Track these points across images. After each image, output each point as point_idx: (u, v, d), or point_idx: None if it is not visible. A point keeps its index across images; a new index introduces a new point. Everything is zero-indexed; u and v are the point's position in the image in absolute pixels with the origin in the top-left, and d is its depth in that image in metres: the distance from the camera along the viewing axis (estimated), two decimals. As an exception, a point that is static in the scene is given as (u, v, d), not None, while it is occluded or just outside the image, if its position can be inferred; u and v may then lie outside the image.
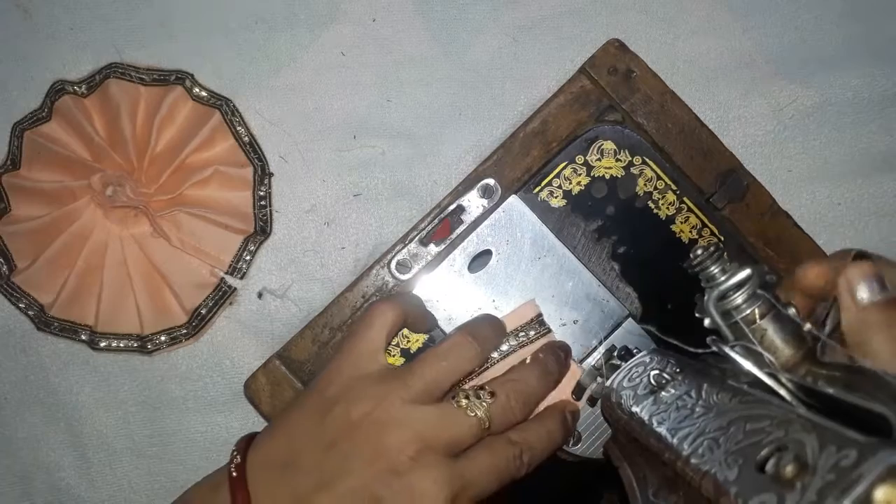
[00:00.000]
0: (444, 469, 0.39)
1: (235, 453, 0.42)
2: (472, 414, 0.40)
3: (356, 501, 0.38)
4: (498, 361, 0.49)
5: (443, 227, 0.52)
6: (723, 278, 0.38)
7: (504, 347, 0.49)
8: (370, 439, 0.39)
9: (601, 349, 0.51)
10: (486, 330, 0.45)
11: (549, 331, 0.50)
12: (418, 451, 0.39)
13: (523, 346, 0.49)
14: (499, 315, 0.50)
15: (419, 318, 0.48)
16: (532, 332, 0.49)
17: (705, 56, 0.58)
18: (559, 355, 0.47)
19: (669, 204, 0.52)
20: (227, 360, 0.56)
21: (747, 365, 0.33)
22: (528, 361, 0.46)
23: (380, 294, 0.51)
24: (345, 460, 0.39)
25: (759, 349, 0.34)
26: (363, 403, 0.40)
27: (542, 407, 0.47)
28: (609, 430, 0.48)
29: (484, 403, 0.41)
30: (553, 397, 0.49)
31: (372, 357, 0.42)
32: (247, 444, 0.42)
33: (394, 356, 0.51)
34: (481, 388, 0.42)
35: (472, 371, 0.43)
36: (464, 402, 0.41)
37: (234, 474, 0.41)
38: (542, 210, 0.52)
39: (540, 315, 0.50)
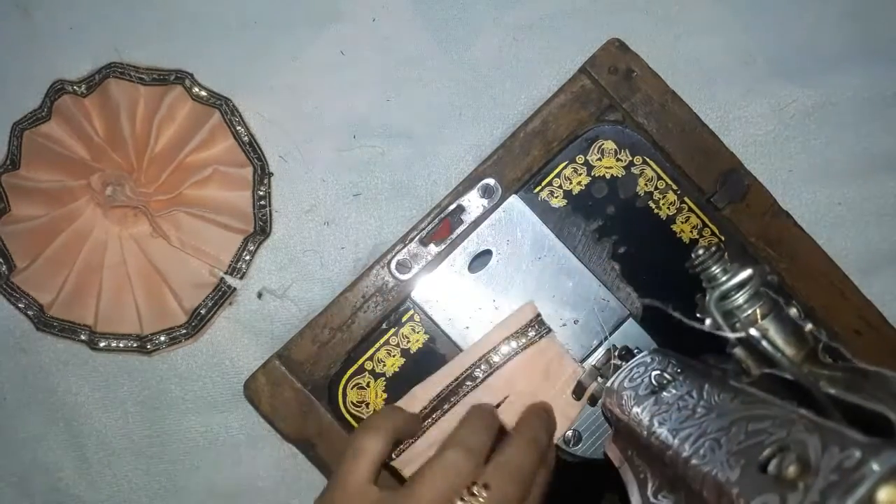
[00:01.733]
0: None
1: None
2: None
3: None
4: (501, 365, 0.49)
5: (443, 227, 0.52)
6: (724, 278, 0.38)
7: (505, 350, 0.49)
8: None
9: (601, 349, 0.51)
10: (479, 439, 0.43)
11: (550, 330, 0.50)
12: None
13: (525, 347, 0.49)
14: (499, 317, 0.50)
15: (407, 429, 0.47)
16: (532, 333, 0.49)
17: (705, 56, 0.58)
18: (543, 417, 0.47)
19: (670, 204, 0.52)
20: (227, 360, 0.56)
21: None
22: (512, 433, 0.45)
23: (380, 294, 0.51)
24: None
25: (770, 349, 0.33)
26: None
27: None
28: (609, 430, 0.48)
29: (480, 500, 0.39)
30: (554, 400, 0.49)
31: (363, 491, 0.41)
32: None
33: (394, 356, 0.51)
34: (474, 484, 0.40)
35: (468, 481, 0.41)
36: None
37: None
38: (543, 210, 0.52)
39: (539, 316, 0.50)
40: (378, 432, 0.43)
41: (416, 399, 0.49)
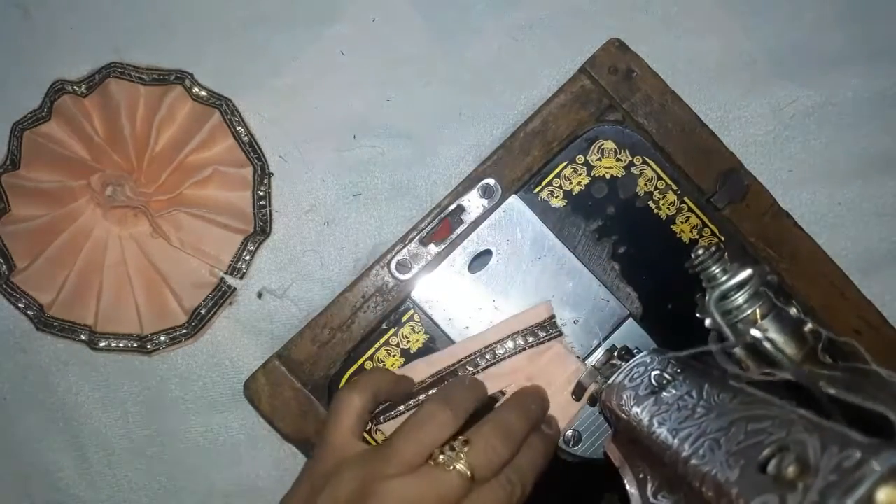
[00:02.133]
0: None
1: None
2: (451, 468, 0.40)
3: None
4: (506, 358, 0.49)
5: (443, 227, 0.52)
6: (724, 278, 0.38)
7: (510, 345, 0.49)
8: None
9: (601, 349, 0.51)
10: (461, 394, 0.45)
11: (560, 334, 0.50)
12: None
13: (532, 346, 0.49)
14: (499, 317, 0.51)
15: (392, 389, 0.48)
16: (542, 333, 0.49)
17: (705, 56, 0.58)
18: (536, 392, 0.48)
19: (670, 204, 0.52)
20: (227, 360, 0.56)
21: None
22: (503, 401, 0.47)
23: (380, 294, 0.51)
24: None
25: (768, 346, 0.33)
26: (347, 485, 0.40)
27: None
28: (609, 430, 0.48)
29: (461, 455, 0.40)
30: (554, 400, 0.49)
31: (347, 444, 0.43)
32: None
33: (394, 356, 0.51)
34: (455, 439, 0.41)
35: (450, 436, 0.42)
36: (441, 458, 0.40)
37: None
38: (543, 210, 0.52)
39: (553, 318, 0.50)
40: (360, 390, 0.44)
41: (416, 371, 0.50)
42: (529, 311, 0.50)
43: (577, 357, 0.50)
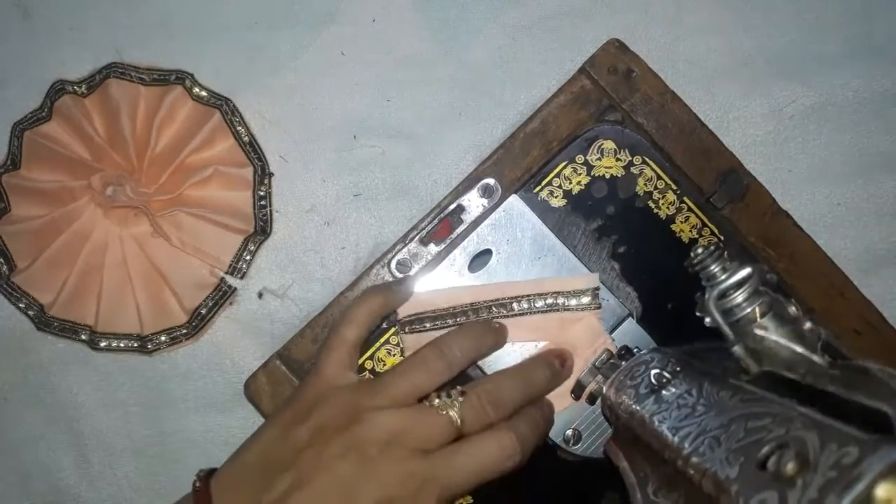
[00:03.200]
0: (412, 462, 0.40)
1: (201, 472, 0.43)
2: (444, 413, 0.41)
3: (334, 494, 0.39)
4: (539, 312, 0.49)
5: (443, 226, 0.52)
6: (723, 277, 0.38)
7: (549, 301, 0.49)
8: (345, 436, 0.40)
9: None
10: (464, 344, 0.46)
11: (599, 307, 0.50)
12: (388, 444, 0.40)
13: (568, 309, 0.50)
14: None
15: (390, 304, 0.49)
16: (585, 300, 0.50)
17: (705, 56, 0.58)
18: (553, 365, 0.48)
19: (669, 204, 0.52)
20: (228, 360, 0.56)
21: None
22: (512, 367, 0.47)
23: (380, 294, 0.51)
24: (319, 458, 0.40)
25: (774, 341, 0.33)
26: (336, 408, 0.42)
27: None
28: (609, 429, 0.48)
29: (455, 403, 0.42)
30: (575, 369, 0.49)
31: (340, 375, 0.44)
32: (211, 471, 0.43)
33: (394, 356, 0.51)
34: (453, 388, 0.43)
35: (441, 383, 0.43)
36: (436, 401, 0.42)
37: (198, 485, 0.42)
38: (543, 210, 0.52)
39: (598, 289, 0.50)
40: (353, 325, 0.46)
41: (454, 297, 0.50)
42: (576, 277, 0.50)
43: (609, 335, 0.50)
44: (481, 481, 0.42)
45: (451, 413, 0.41)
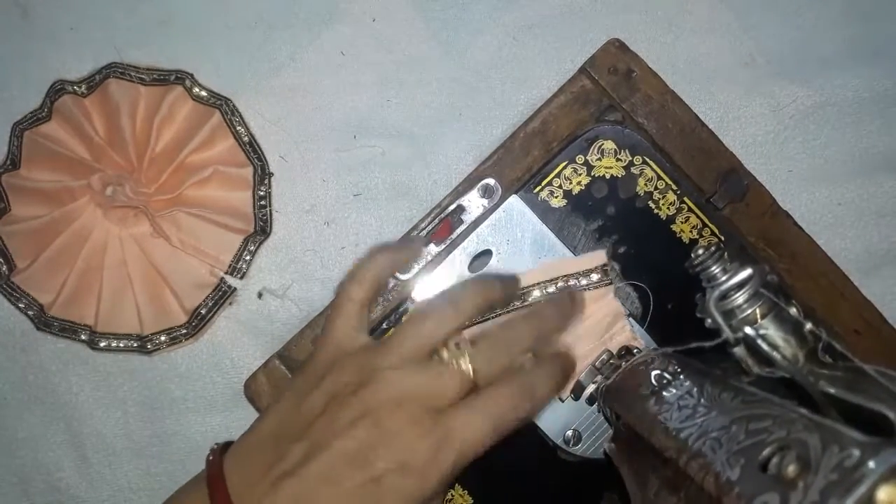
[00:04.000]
0: (426, 423, 0.38)
1: (216, 445, 0.42)
2: (455, 365, 0.40)
3: (349, 460, 0.38)
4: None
5: (443, 227, 0.52)
6: (724, 278, 0.38)
7: (552, 290, 0.50)
8: (357, 400, 0.39)
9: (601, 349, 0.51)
10: (465, 292, 0.44)
11: (611, 282, 0.50)
12: (399, 405, 0.39)
13: (586, 288, 0.50)
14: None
15: (395, 265, 0.48)
16: (595, 277, 0.50)
17: (705, 56, 0.58)
18: (563, 302, 0.46)
19: (670, 204, 0.52)
20: (227, 360, 0.56)
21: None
22: (520, 310, 0.47)
23: (380, 294, 0.51)
24: (334, 423, 0.39)
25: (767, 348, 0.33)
26: (348, 373, 0.40)
27: None
28: (609, 429, 0.48)
29: (465, 353, 0.40)
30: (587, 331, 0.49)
31: (348, 338, 0.43)
32: (227, 444, 0.43)
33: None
34: (462, 339, 0.41)
35: (451, 333, 0.42)
36: (445, 354, 0.40)
37: (211, 458, 0.41)
38: (543, 210, 0.52)
39: (607, 265, 0.50)
40: (359, 282, 0.44)
41: None
42: (584, 256, 0.51)
43: (630, 321, 0.50)
44: (500, 436, 0.40)
45: (462, 364, 0.40)
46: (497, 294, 0.46)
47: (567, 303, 0.46)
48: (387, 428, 0.38)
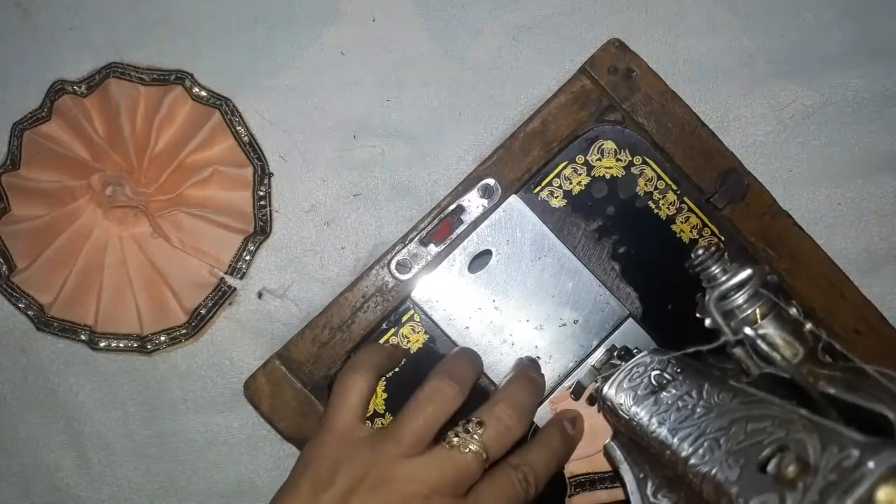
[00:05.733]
0: None
1: None
2: (466, 450, 0.40)
3: None
4: None
5: (443, 227, 0.52)
6: (724, 278, 0.38)
7: None
8: (378, 499, 0.39)
9: (601, 349, 0.51)
10: (463, 367, 0.45)
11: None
12: (426, 499, 0.39)
13: None
14: (499, 317, 0.51)
15: (390, 364, 0.49)
16: None
17: (705, 56, 0.58)
18: (535, 367, 0.49)
19: (670, 204, 0.52)
20: (227, 360, 0.56)
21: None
22: (507, 378, 0.47)
23: (380, 294, 0.51)
24: None
25: (766, 348, 0.33)
26: (361, 469, 0.40)
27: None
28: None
29: (475, 437, 0.41)
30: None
31: (353, 429, 0.43)
32: None
33: (394, 356, 0.51)
34: (468, 421, 0.42)
35: (454, 410, 0.42)
36: (455, 440, 0.41)
37: None
38: (543, 210, 0.52)
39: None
40: (362, 371, 0.44)
41: None
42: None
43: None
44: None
45: (474, 447, 0.40)
46: (481, 364, 0.48)
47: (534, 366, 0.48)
48: None
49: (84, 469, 0.56)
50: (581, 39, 0.57)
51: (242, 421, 0.56)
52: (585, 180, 0.52)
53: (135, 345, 0.55)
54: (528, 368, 0.48)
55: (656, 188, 0.52)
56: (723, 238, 0.52)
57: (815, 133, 0.57)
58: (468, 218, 0.52)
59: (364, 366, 0.45)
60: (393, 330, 0.51)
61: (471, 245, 0.51)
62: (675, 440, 0.34)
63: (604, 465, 0.47)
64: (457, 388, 0.42)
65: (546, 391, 0.49)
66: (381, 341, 0.51)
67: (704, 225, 0.52)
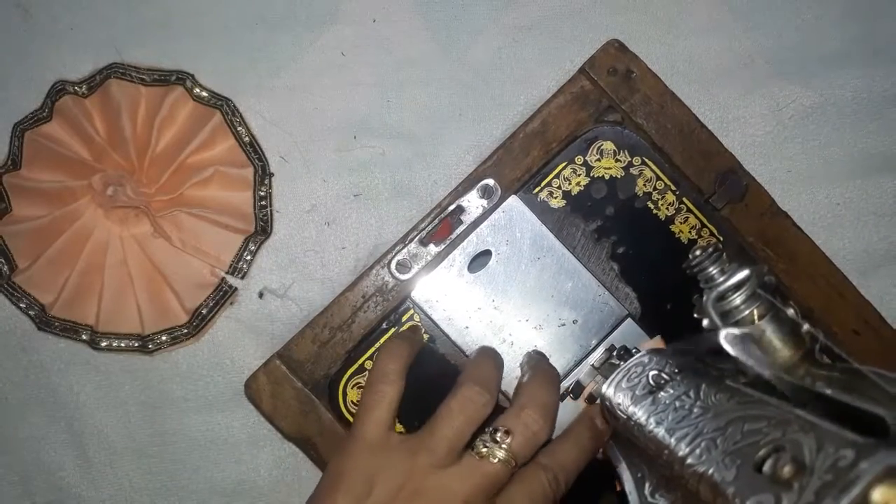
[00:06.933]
0: None
1: None
2: (495, 459, 0.41)
3: None
4: None
5: (443, 227, 0.52)
6: (721, 279, 0.38)
7: None
8: None
9: (600, 349, 0.51)
10: (490, 372, 0.45)
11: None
12: None
13: None
14: (499, 317, 0.51)
15: (414, 354, 0.48)
16: None
17: (705, 56, 0.58)
18: (546, 359, 0.49)
19: (669, 204, 0.52)
20: (228, 360, 0.56)
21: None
22: (527, 376, 0.47)
23: (380, 294, 0.51)
24: None
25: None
26: (397, 479, 0.41)
27: None
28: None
29: (503, 445, 0.41)
30: None
31: (383, 439, 0.43)
32: None
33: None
34: (496, 430, 0.42)
35: (485, 417, 0.43)
36: (483, 450, 0.41)
37: None
38: (542, 210, 0.52)
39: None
40: (389, 378, 0.44)
41: None
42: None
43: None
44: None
45: (502, 455, 0.41)
46: (502, 363, 0.47)
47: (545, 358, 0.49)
48: None
49: (85, 468, 0.56)
50: (581, 40, 0.57)
51: (243, 420, 0.56)
52: (585, 181, 0.52)
53: (136, 344, 0.55)
54: (544, 363, 0.48)
55: (655, 189, 0.52)
56: (721, 238, 0.52)
57: (814, 133, 0.57)
58: (468, 218, 0.52)
59: (391, 374, 0.45)
60: (393, 330, 0.51)
61: (470, 245, 0.52)
62: (673, 440, 0.34)
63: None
64: (487, 396, 0.42)
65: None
66: (382, 341, 0.51)
67: (703, 225, 0.52)
